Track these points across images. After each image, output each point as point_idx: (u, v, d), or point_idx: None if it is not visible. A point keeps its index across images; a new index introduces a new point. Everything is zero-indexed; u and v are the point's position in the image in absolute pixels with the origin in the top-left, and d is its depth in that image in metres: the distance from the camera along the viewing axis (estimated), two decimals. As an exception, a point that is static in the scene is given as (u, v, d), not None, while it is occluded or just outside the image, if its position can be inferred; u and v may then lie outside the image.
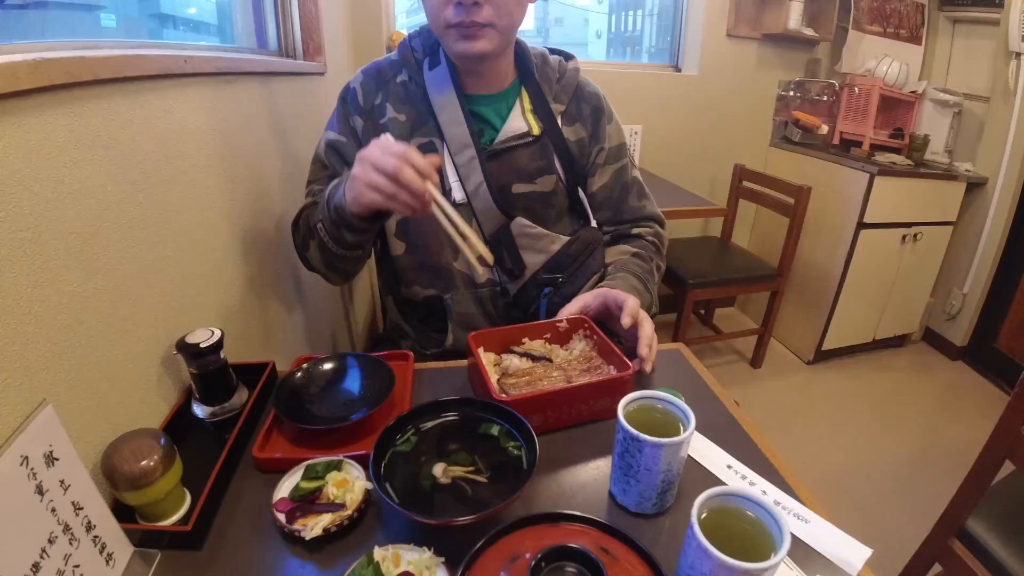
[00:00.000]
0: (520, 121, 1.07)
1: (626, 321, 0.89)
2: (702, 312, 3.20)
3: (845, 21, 2.78)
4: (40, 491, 0.51)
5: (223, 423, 0.81)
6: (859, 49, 2.82)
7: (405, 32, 1.86)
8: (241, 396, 0.84)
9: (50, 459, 0.52)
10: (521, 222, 1.07)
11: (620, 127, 1.18)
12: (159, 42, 1.10)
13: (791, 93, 2.90)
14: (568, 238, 1.12)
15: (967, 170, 2.68)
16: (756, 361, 2.84)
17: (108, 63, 0.72)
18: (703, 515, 0.51)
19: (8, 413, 0.53)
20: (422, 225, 1.05)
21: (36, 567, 0.49)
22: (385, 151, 0.80)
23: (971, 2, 2.68)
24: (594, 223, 1.20)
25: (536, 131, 1.07)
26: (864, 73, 2.77)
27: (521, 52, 1.10)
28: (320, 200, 0.96)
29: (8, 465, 0.47)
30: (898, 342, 3.06)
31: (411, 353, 0.93)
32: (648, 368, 0.90)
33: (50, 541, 0.51)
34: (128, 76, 0.76)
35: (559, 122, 1.10)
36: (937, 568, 1.37)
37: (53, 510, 0.52)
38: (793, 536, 0.64)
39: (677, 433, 0.62)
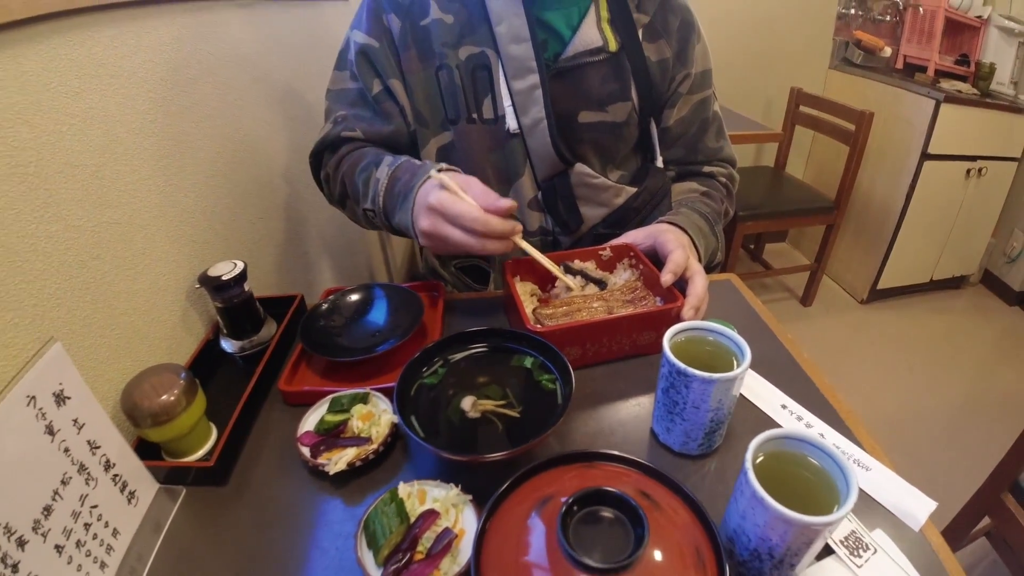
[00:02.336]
0: (594, 32, 0.86)
1: (666, 279, 0.74)
2: (752, 247, 3.08)
3: (912, -67, 2.53)
4: (50, 431, 0.49)
5: (253, 357, 0.79)
6: (923, -35, 2.57)
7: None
8: (269, 329, 0.81)
9: (61, 398, 0.50)
10: (582, 171, 0.91)
11: (708, 50, 0.97)
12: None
13: (852, 11, 2.68)
14: (634, 189, 0.95)
15: (1033, 104, 2.46)
16: (807, 299, 2.74)
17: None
18: (758, 460, 0.46)
19: (15, 354, 0.52)
20: (469, 155, 0.91)
21: (48, 510, 0.47)
22: (458, 226, 0.67)
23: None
24: (660, 161, 1.01)
25: (613, 46, 0.87)
26: (928, -8, 2.53)
27: None
28: (374, 204, 0.81)
29: (12, 406, 0.45)
30: (955, 284, 2.91)
31: (442, 284, 0.89)
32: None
33: (63, 482, 0.49)
34: (130, 1, 0.71)
35: (640, 36, 0.90)
36: (986, 521, 1.34)
37: (66, 450, 0.50)
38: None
39: (730, 368, 0.56)
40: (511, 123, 0.87)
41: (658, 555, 0.41)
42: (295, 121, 1.20)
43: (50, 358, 0.49)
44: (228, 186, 0.92)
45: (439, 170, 0.72)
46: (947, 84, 2.43)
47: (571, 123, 0.90)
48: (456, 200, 0.67)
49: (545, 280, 0.84)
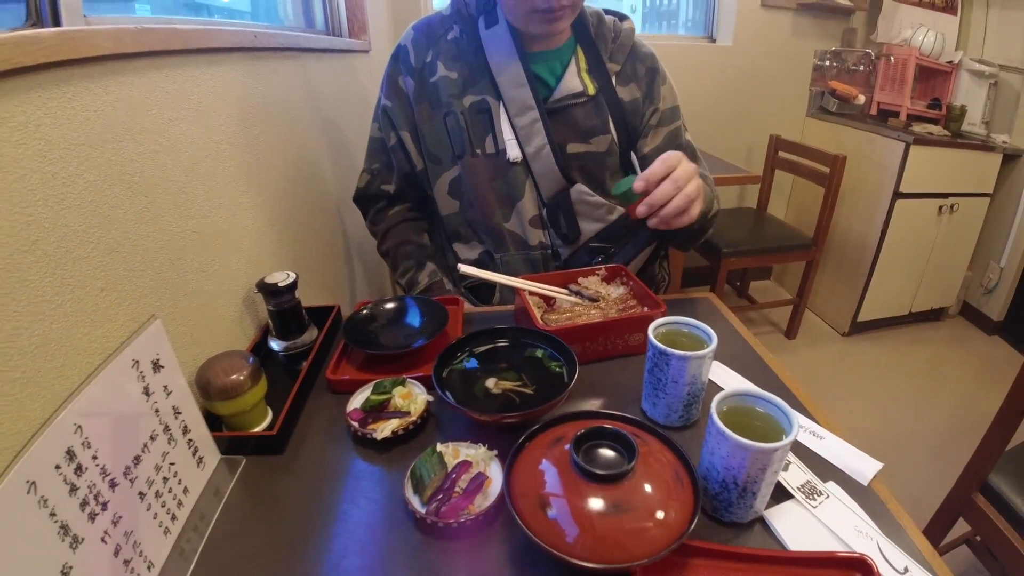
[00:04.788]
0: (575, 80, 1.05)
1: (637, 186, 0.83)
2: (738, 284, 3.23)
3: (880, -10, 2.75)
4: (147, 392, 0.59)
5: (294, 357, 0.91)
6: (895, 19, 2.79)
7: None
8: (311, 333, 0.94)
9: (156, 366, 0.60)
10: (581, 189, 1.07)
11: (674, 90, 1.15)
12: (231, 20, 1.20)
13: (827, 63, 2.88)
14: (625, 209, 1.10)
15: (1004, 142, 2.64)
16: (791, 332, 2.86)
17: (194, 35, 0.82)
18: (722, 410, 0.58)
19: (116, 328, 0.64)
20: (475, 184, 1.07)
21: (137, 460, 0.56)
22: None
23: (1006, -29, 2.62)
24: None
25: (591, 90, 1.05)
26: (900, 43, 2.73)
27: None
28: (409, 289, 1.13)
29: (122, 366, 0.56)
30: (935, 316, 3.04)
31: (461, 298, 1.02)
32: (643, 211, 0.84)
33: (151, 438, 0.58)
34: (211, 48, 0.86)
35: (613, 81, 1.08)
36: (960, 532, 1.42)
37: (156, 411, 0.60)
38: (809, 450, 0.71)
39: (701, 350, 0.69)
40: (513, 153, 1.04)
41: (647, 475, 0.53)
42: (332, 154, 1.38)
43: (152, 331, 0.61)
44: (278, 209, 1.06)
45: None
46: (919, 127, 2.59)
47: (562, 153, 1.06)
48: None
49: (549, 299, 0.97)
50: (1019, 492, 1.27)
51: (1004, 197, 2.74)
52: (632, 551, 0.48)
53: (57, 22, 0.67)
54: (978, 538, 1.45)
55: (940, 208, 2.62)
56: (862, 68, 2.85)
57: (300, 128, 1.21)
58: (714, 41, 2.94)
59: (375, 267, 1.73)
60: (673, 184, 0.83)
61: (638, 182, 0.83)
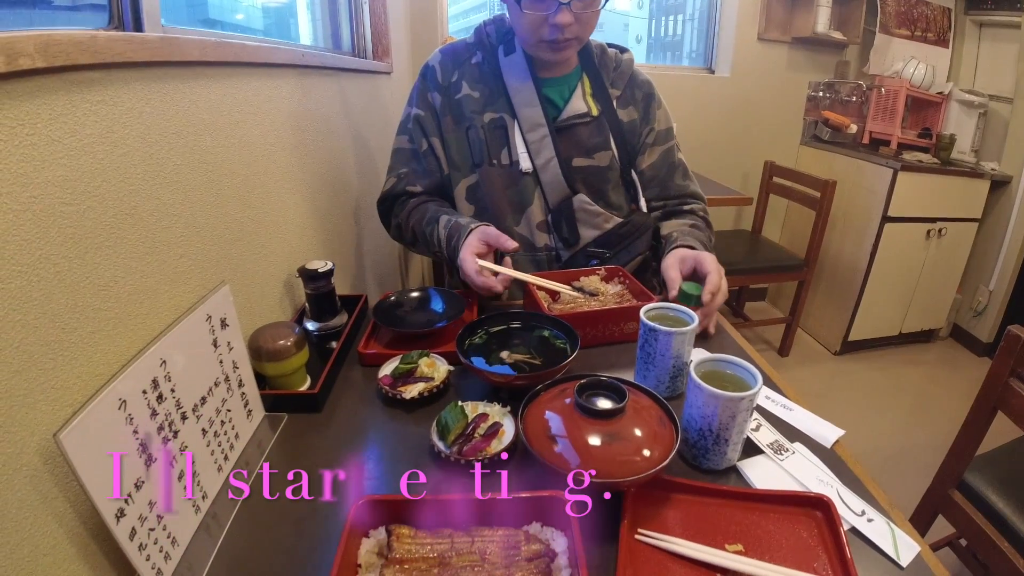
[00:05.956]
0: (581, 103, 1.19)
1: (705, 298, 0.95)
2: (733, 304, 3.34)
3: (872, 25, 2.92)
4: (215, 345, 0.69)
5: (326, 337, 1.02)
6: (887, 52, 2.94)
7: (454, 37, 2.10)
8: (342, 318, 1.05)
9: (224, 323, 0.71)
10: (582, 198, 1.19)
11: (668, 113, 1.29)
12: (278, 40, 1.34)
13: (821, 94, 3.03)
14: (621, 219, 1.24)
15: (992, 169, 2.75)
16: (784, 350, 2.96)
17: (258, 51, 0.95)
18: (701, 371, 0.70)
19: (189, 289, 0.74)
20: (491, 191, 1.20)
21: (203, 400, 0.66)
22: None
23: (995, 6, 2.78)
24: (643, 203, 1.28)
25: (595, 112, 1.20)
26: (892, 75, 2.87)
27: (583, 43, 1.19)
28: (441, 250, 1.13)
29: (198, 319, 0.67)
30: (925, 337, 3.12)
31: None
32: (703, 319, 0.93)
33: (215, 384, 0.69)
34: (269, 63, 0.99)
35: (615, 104, 1.23)
36: (948, 532, 1.49)
37: (220, 362, 0.70)
38: (779, 418, 0.82)
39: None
40: (525, 164, 1.18)
41: (636, 419, 0.64)
42: (357, 164, 1.51)
43: (221, 293, 0.72)
44: (314, 208, 1.19)
45: (474, 227, 1.07)
46: (909, 155, 2.70)
47: (568, 166, 1.19)
48: (474, 276, 1.01)
49: (554, 293, 1.09)
50: (995, 489, 1.35)
51: (993, 222, 2.85)
52: (624, 473, 0.59)
53: (138, 28, 0.77)
54: (963, 541, 1.52)
55: (928, 232, 2.73)
56: (854, 99, 2.99)
57: (333, 138, 1.34)
58: (713, 72, 3.10)
59: (389, 273, 1.87)
60: (722, 296, 1.00)
61: (705, 295, 0.96)
